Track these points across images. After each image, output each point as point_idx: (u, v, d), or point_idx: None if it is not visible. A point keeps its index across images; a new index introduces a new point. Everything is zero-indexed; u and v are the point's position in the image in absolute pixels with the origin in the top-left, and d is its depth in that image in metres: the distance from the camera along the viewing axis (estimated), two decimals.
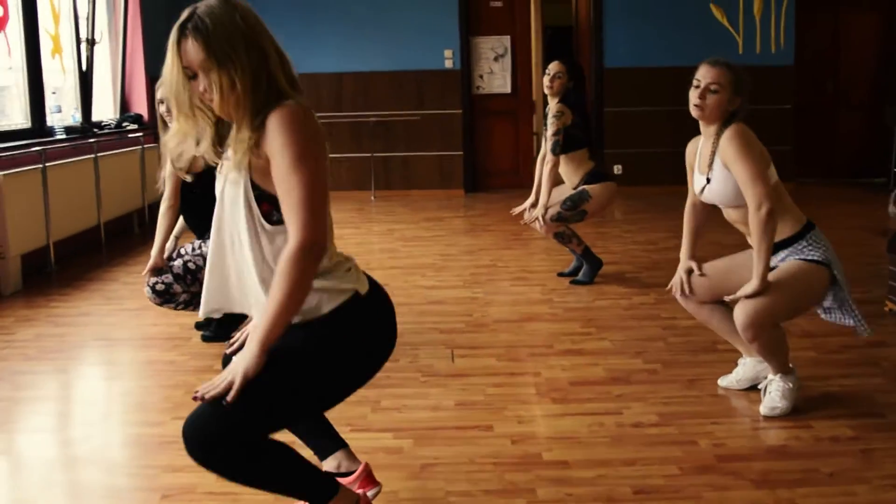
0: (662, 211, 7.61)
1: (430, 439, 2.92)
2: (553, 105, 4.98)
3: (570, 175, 5.03)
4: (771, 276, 2.95)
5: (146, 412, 3.27)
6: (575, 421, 3.06)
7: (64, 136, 6.32)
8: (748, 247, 3.20)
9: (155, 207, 7.62)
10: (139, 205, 7.34)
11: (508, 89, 9.21)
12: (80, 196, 6.21)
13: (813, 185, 8.64)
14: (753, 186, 2.91)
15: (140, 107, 8.05)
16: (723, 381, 3.37)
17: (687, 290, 3.25)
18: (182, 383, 3.54)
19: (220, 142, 2.01)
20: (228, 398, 1.84)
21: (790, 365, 3.09)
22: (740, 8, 8.62)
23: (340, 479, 2.21)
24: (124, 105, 8.00)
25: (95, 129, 6.97)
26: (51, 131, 6.32)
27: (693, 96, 3.04)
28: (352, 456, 2.37)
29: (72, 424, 3.24)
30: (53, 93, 6.45)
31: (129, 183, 7.14)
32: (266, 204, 1.94)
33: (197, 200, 3.96)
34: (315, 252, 1.86)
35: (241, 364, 1.87)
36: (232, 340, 2.26)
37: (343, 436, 2.40)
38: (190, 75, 1.90)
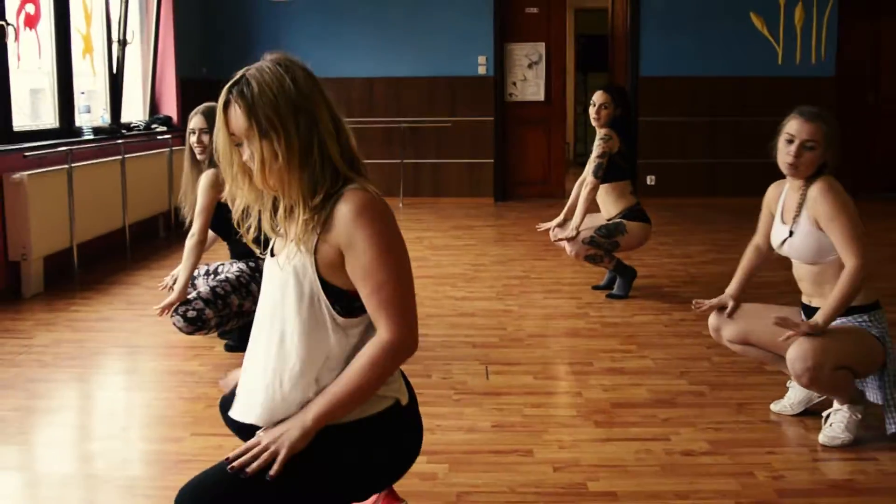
0: (697, 223, 7.39)
1: (466, 464, 2.74)
2: (602, 131, 4.78)
3: (609, 205, 4.84)
4: (831, 328, 2.77)
5: (165, 427, 3.11)
6: (620, 447, 2.86)
7: (92, 137, 6.21)
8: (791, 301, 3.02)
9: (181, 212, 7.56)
10: (165, 207, 7.22)
11: (542, 97, 9.03)
12: (106, 198, 6.10)
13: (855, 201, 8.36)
14: (854, 245, 2.73)
15: (170, 109, 7.95)
16: (775, 407, 3.16)
17: (713, 334, 3.13)
18: (202, 396, 3.39)
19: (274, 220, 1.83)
20: (272, 473, 1.66)
21: (858, 393, 2.88)
22: (780, 17, 8.39)
23: None
24: (154, 107, 7.91)
25: (124, 131, 6.87)
26: (79, 132, 6.21)
27: (786, 153, 2.84)
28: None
29: (88, 438, 3.09)
30: (83, 93, 6.34)
31: (155, 185, 7.03)
32: (331, 298, 1.75)
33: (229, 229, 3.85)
34: (404, 353, 1.73)
35: (289, 436, 1.69)
36: (222, 383, 2.08)
37: None
38: (237, 143, 1.73)
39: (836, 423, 2.86)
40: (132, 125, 7.22)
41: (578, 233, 4.73)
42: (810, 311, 2.93)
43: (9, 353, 3.95)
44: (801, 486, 2.59)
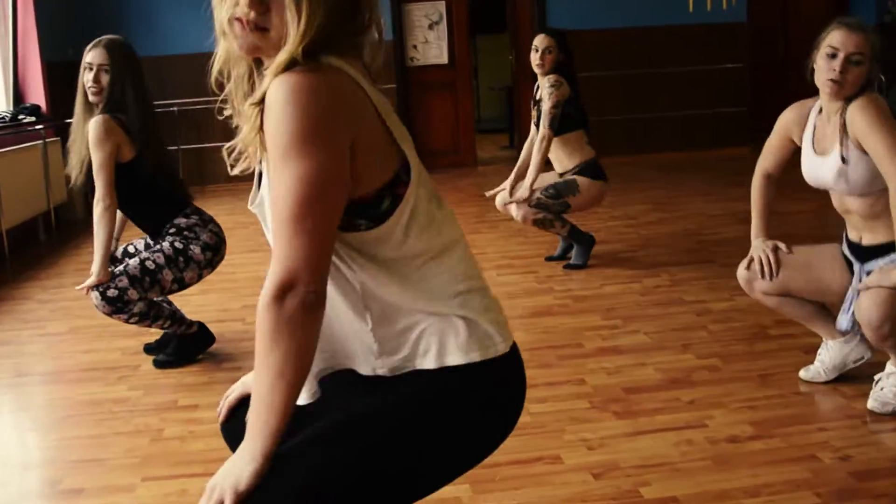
0: (627, 181, 7.11)
1: (490, 482, 2.29)
2: (549, 77, 4.34)
3: (563, 159, 4.43)
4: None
5: (108, 473, 2.52)
6: (656, 440, 2.49)
7: None
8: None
9: (61, 210, 6.77)
10: (44, 208, 6.42)
11: (445, 60, 8.56)
12: None
13: None
14: (894, 160, 2.38)
15: (37, 97, 7.07)
16: (805, 375, 2.85)
17: (775, 272, 2.69)
18: (143, 428, 2.82)
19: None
20: None
21: None
22: None
23: None
24: (18, 95, 7.02)
25: None
26: None
27: (830, 68, 2.48)
28: None
29: (13, 496, 2.47)
30: None
31: (31, 184, 6.21)
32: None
33: (143, 192, 3.24)
34: (298, 298, 1.19)
35: (232, 473, 1.22)
36: (220, 407, 1.59)
37: None
38: None
39: (889, 387, 2.57)
40: None
41: (533, 192, 4.31)
42: (860, 249, 2.61)
43: None
44: (876, 466, 2.28)
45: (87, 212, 7.25)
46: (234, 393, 1.58)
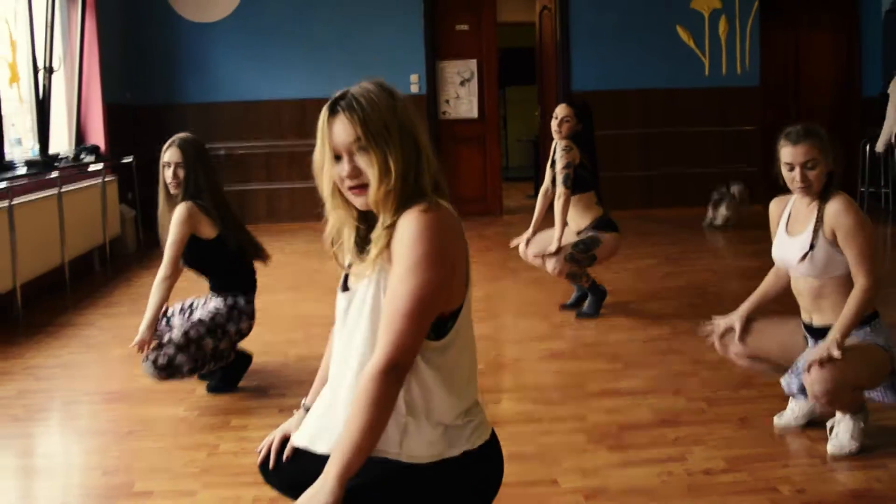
0: (640, 235, 7.56)
1: (497, 501, 2.71)
2: (562, 142, 4.81)
3: (577, 218, 4.88)
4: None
5: (173, 480, 2.97)
6: (641, 471, 2.90)
7: (25, 172, 5.93)
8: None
9: (115, 243, 7.30)
10: (100, 241, 6.96)
11: (475, 114, 9.10)
12: (45, 234, 5.84)
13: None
14: (867, 263, 2.83)
15: (97, 138, 7.67)
16: (779, 421, 3.25)
17: (717, 346, 3.18)
18: (202, 444, 3.27)
19: (360, 244, 1.79)
20: None
21: (862, 405, 2.99)
22: (706, 29, 8.70)
23: None
24: (80, 136, 7.61)
25: (55, 163, 6.59)
26: (10, 166, 5.92)
27: (792, 178, 2.92)
28: None
29: (92, 497, 2.92)
30: (13, 125, 6.05)
31: (90, 219, 6.77)
32: None
33: (230, 264, 3.77)
34: (398, 373, 1.63)
35: (315, 499, 1.62)
36: (259, 447, 2.00)
37: None
38: (335, 156, 1.72)
39: (842, 433, 2.96)
40: (60, 156, 6.94)
41: (562, 248, 4.75)
42: (812, 329, 3.03)
43: None
44: (826, 498, 2.67)
45: (140, 245, 7.81)
46: (276, 437, 1.96)
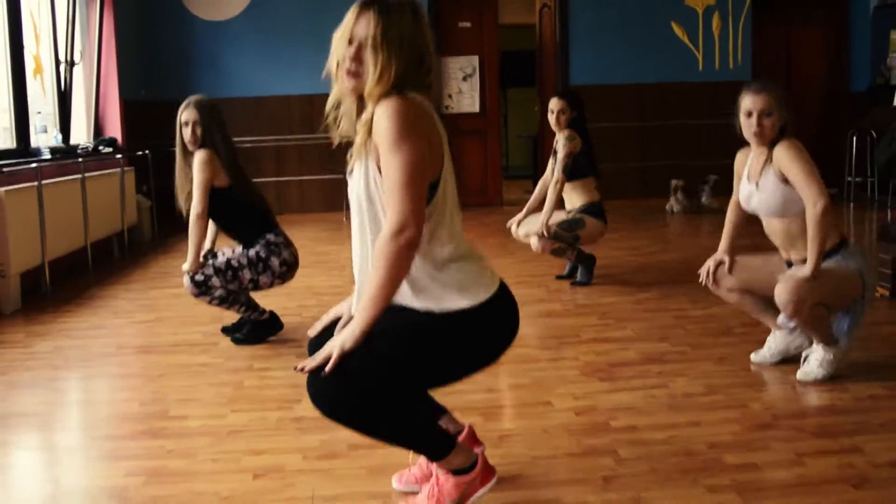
0: (638, 221, 7.88)
1: (497, 416, 3.04)
2: (565, 132, 5.12)
3: (574, 200, 5.19)
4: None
5: (204, 407, 3.29)
6: (628, 395, 3.21)
7: (49, 157, 6.26)
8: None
9: (133, 232, 7.62)
10: (119, 228, 7.27)
11: (477, 109, 9.44)
12: (70, 216, 6.16)
13: None
14: (810, 185, 3.13)
15: (114, 130, 8.00)
16: (755, 357, 3.56)
17: (710, 281, 3.46)
18: (227, 381, 3.58)
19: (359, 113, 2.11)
20: (326, 370, 1.95)
21: (833, 337, 3.29)
22: (699, 25, 9.05)
23: None
24: (98, 129, 7.95)
25: (78, 152, 6.92)
26: (36, 152, 6.26)
27: (749, 124, 3.25)
28: (455, 420, 2.47)
29: (133, 420, 3.24)
30: (39, 113, 6.39)
31: (110, 205, 7.08)
32: None
33: (240, 212, 4.06)
34: (407, 237, 1.95)
35: (340, 339, 1.98)
36: (315, 325, 2.34)
37: None
38: (349, 39, 2.03)
39: (812, 360, 3.28)
40: (80, 147, 7.26)
41: (549, 227, 5.08)
42: (789, 265, 3.34)
43: (14, 360, 4.04)
44: (792, 411, 2.99)
45: (154, 235, 8.13)
46: (327, 317, 2.32)
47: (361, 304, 2.00)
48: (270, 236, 4.07)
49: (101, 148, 7.46)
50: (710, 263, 3.52)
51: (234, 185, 4.02)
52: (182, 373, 3.77)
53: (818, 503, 2.28)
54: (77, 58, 7.33)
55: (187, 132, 3.99)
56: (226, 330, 4.29)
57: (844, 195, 8.94)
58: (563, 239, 5.12)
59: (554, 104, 5.18)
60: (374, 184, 2.04)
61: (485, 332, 2.13)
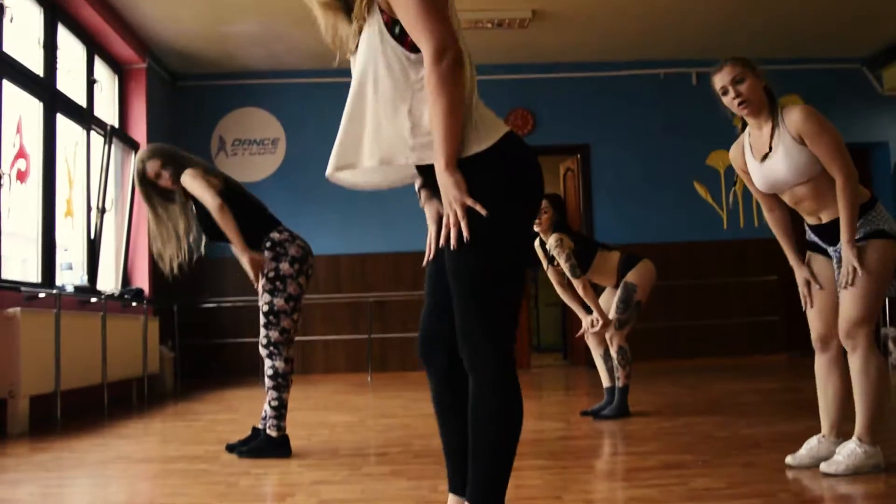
0: (662, 381, 7.65)
1: None
2: (551, 239, 5.08)
3: (607, 277, 5.16)
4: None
5: (192, 499, 3.10)
6: (644, 491, 2.97)
7: (73, 292, 6.32)
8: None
9: (154, 381, 7.52)
10: (139, 373, 7.19)
11: None
12: (87, 350, 6.12)
13: (804, 358, 8.76)
14: (839, 158, 2.98)
15: (142, 282, 8.08)
16: (792, 460, 3.29)
17: (810, 305, 3.28)
18: (222, 481, 3.40)
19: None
20: (465, 234, 1.88)
21: (874, 437, 3.07)
22: (722, 184, 9.15)
23: None
24: (126, 278, 8.04)
25: (102, 295, 6.98)
26: (60, 290, 6.32)
27: (731, 100, 3.11)
28: None
29: None
30: (66, 250, 6.51)
31: (131, 349, 7.04)
32: (408, 36, 1.95)
33: (240, 213, 3.97)
34: (450, 56, 1.86)
35: (446, 194, 1.91)
36: (428, 247, 2.29)
37: None
38: None
39: (843, 453, 3.04)
40: (106, 294, 7.33)
41: (608, 321, 4.99)
42: (822, 229, 3.15)
43: (7, 467, 3.88)
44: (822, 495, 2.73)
45: (177, 387, 8.01)
46: (431, 227, 2.28)
47: (437, 145, 1.90)
48: (274, 234, 3.98)
49: (126, 297, 7.51)
50: (803, 290, 3.31)
51: (226, 188, 4.01)
52: (177, 475, 3.59)
53: None
54: (108, 205, 7.53)
55: (163, 180, 4.03)
56: (231, 447, 4.09)
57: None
58: (630, 319, 5.04)
59: None
60: (387, 33, 1.98)
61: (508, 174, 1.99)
